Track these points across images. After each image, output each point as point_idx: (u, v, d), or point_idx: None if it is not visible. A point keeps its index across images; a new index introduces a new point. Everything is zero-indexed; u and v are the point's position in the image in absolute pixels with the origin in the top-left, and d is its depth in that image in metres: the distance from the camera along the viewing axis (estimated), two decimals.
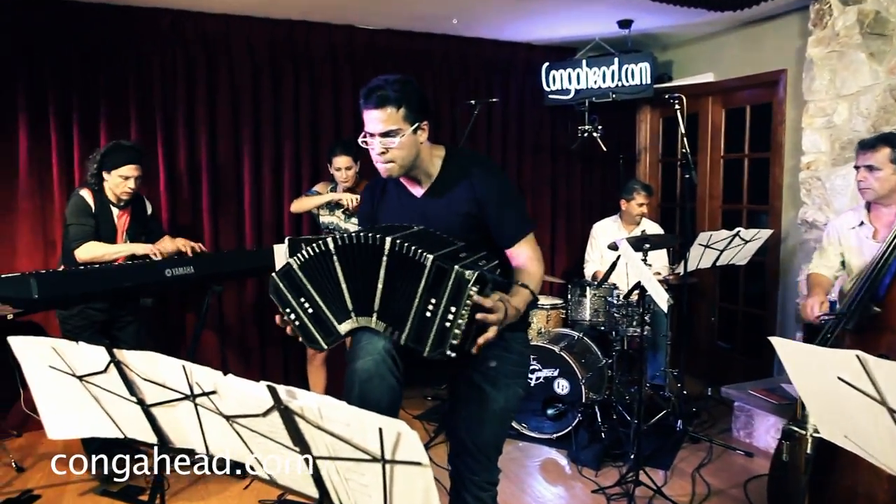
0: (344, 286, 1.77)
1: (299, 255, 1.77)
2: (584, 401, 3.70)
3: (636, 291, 3.64)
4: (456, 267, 1.65)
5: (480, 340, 1.70)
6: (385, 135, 1.91)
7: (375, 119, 1.90)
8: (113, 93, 4.03)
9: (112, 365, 1.39)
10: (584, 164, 5.38)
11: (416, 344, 1.71)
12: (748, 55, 4.59)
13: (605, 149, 4.71)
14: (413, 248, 1.70)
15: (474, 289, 1.64)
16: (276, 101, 4.41)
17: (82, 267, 2.93)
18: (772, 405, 3.72)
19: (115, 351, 1.36)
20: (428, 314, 1.69)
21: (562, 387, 3.78)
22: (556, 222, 5.33)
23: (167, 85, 4.16)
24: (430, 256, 1.68)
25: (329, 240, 1.75)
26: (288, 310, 1.80)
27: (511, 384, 2.04)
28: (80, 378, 1.49)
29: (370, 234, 1.74)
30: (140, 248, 3.17)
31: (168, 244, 3.26)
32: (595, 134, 4.65)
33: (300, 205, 3.73)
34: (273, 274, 1.78)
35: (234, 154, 4.35)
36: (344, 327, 1.79)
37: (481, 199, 1.96)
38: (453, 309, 1.65)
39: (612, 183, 5.41)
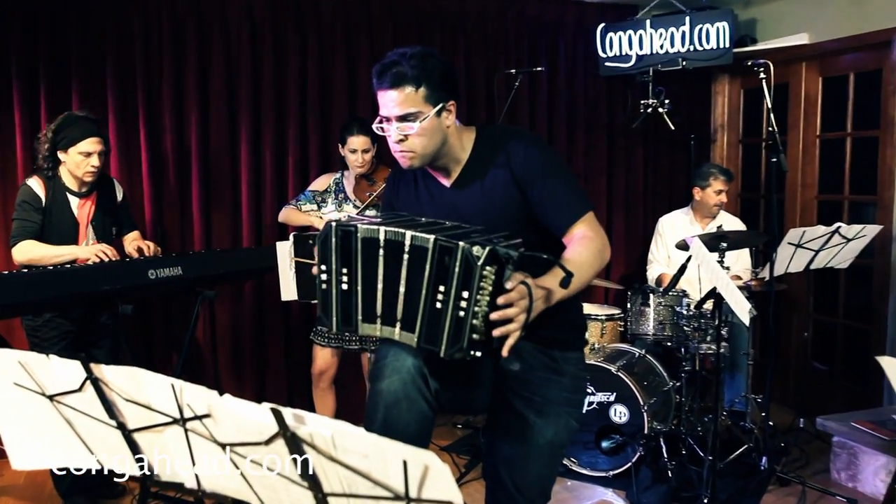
0: (380, 286, 1.79)
1: (369, 226, 1.80)
2: (646, 432, 3.68)
3: (711, 300, 3.60)
4: (461, 243, 1.66)
5: (510, 341, 1.68)
6: (402, 119, 1.92)
7: (391, 101, 1.92)
8: (87, 63, 4.10)
9: (88, 382, 1.41)
10: (647, 145, 5.34)
11: (430, 344, 1.73)
12: (852, 10, 4.50)
13: (673, 127, 4.67)
14: (424, 235, 1.72)
15: (488, 268, 1.65)
16: (279, 74, 4.45)
17: (51, 267, 2.98)
18: (881, 441, 3.65)
19: (93, 366, 1.38)
20: (438, 305, 1.71)
21: (619, 414, 3.76)
22: (612, 216, 5.30)
23: (151, 54, 4.22)
24: (432, 237, 1.70)
25: (382, 228, 1.79)
26: (324, 267, 1.84)
27: (562, 413, 2.03)
28: (51, 398, 1.51)
29: (393, 229, 1.77)
30: (82, 252, 3.17)
31: (103, 249, 3.16)
32: (661, 109, 4.61)
33: (287, 217, 3.81)
34: (333, 222, 1.82)
35: (230, 136, 4.40)
36: (365, 328, 1.83)
37: (521, 178, 1.95)
38: (466, 295, 1.66)
39: (681, 168, 5.36)
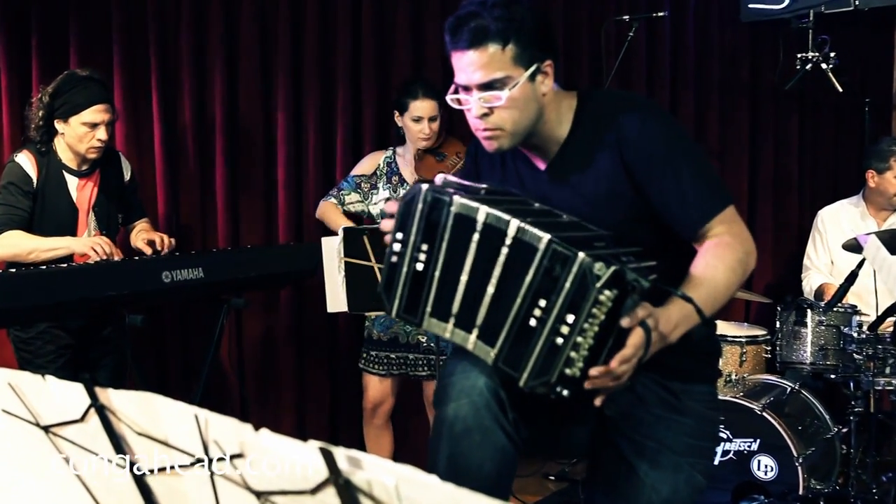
0: (464, 277, 1.81)
1: (467, 201, 1.81)
2: (801, 492, 3.61)
3: (892, 318, 3.51)
4: (581, 254, 1.66)
5: (593, 381, 1.69)
6: (486, 87, 1.93)
7: (470, 64, 1.92)
8: (87, 12, 4.21)
9: (93, 410, 1.44)
10: (804, 114, 5.22)
11: (509, 367, 1.75)
12: None
13: (840, 89, 4.55)
14: (532, 229, 1.73)
15: (607, 293, 1.65)
16: (325, 26, 4.49)
17: (42, 267, 3.07)
18: None
19: (98, 390, 1.42)
20: (532, 322, 1.72)
21: (765, 468, 3.69)
22: (756, 207, 5.20)
23: (166, 1, 4.31)
24: (546, 235, 1.70)
25: (483, 208, 1.80)
26: (400, 236, 1.87)
27: (683, 465, 2.02)
28: (46, 429, 1.55)
29: (496, 213, 1.78)
30: (78, 245, 3.24)
31: (97, 242, 3.23)
32: (825, 65, 4.49)
33: (324, 217, 3.88)
34: (425, 186, 1.85)
35: (263, 103, 4.47)
36: (432, 325, 1.85)
37: (634, 164, 1.94)
38: (570, 319, 1.67)
39: (851, 144, 5.22)
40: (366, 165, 3.91)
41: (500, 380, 1.85)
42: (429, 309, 1.85)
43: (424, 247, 1.84)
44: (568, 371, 1.68)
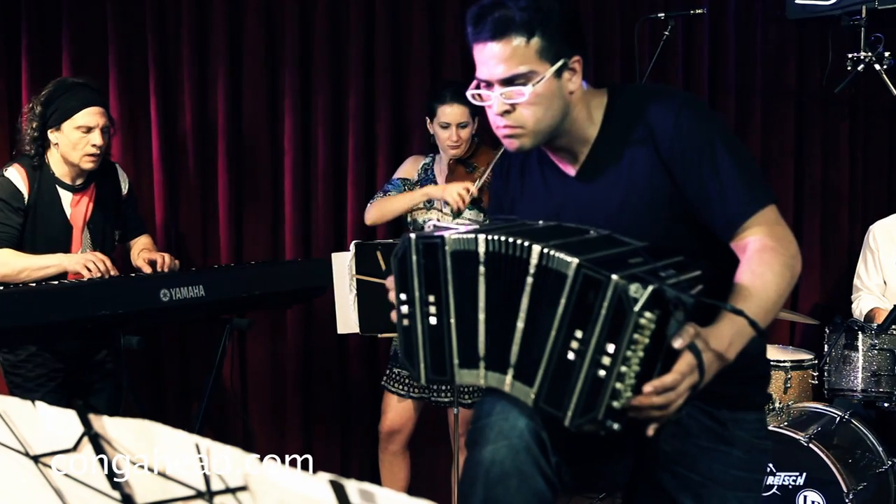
0: (481, 316, 1.81)
1: (463, 235, 1.83)
2: None
3: None
4: (614, 276, 1.65)
5: (636, 413, 1.68)
6: (509, 82, 1.94)
7: (493, 57, 1.93)
8: (82, 13, 4.25)
9: (86, 439, 1.45)
10: (855, 119, 5.19)
11: (552, 406, 1.74)
12: None
13: (895, 92, 4.53)
14: (559, 254, 1.72)
15: (648, 315, 1.64)
16: (336, 25, 4.51)
17: (32, 285, 3.08)
18: None
19: (92, 417, 1.43)
20: (571, 356, 1.71)
21: None
22: (802, 221, 5.16)
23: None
24: (574, 260, 1.70)
25: (480, 237, 1.81)
26: (404, 297, 1.87)
27: (730, 500, 2.02)
28: (36, 459, 1.56)
29: (516, 240, 1.78)
30: (70, 263, 3.25)
31: (91, 258, 3.25)
32: (878, 67, 4.48)
33: (381, 210, 3.83)
34: (412, 236, 1.86)
35: (269, 108, 4.50)
36: (464, 376, 1.85)
37: (670, 159, 1.95)
38: (611, 349, 1.66)
39: None
40: (407, 168, 3.93)
41: (541, 420, 1.84)
42: (456, 361, 1.85)
43: (431, 298, 1.85)
44: (616, 404, 1.66)
